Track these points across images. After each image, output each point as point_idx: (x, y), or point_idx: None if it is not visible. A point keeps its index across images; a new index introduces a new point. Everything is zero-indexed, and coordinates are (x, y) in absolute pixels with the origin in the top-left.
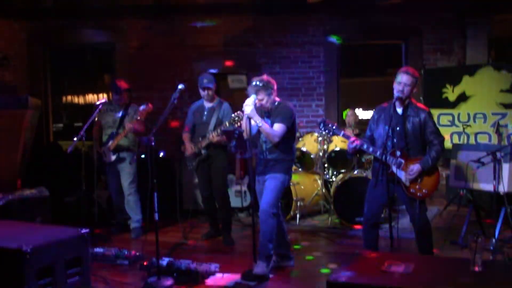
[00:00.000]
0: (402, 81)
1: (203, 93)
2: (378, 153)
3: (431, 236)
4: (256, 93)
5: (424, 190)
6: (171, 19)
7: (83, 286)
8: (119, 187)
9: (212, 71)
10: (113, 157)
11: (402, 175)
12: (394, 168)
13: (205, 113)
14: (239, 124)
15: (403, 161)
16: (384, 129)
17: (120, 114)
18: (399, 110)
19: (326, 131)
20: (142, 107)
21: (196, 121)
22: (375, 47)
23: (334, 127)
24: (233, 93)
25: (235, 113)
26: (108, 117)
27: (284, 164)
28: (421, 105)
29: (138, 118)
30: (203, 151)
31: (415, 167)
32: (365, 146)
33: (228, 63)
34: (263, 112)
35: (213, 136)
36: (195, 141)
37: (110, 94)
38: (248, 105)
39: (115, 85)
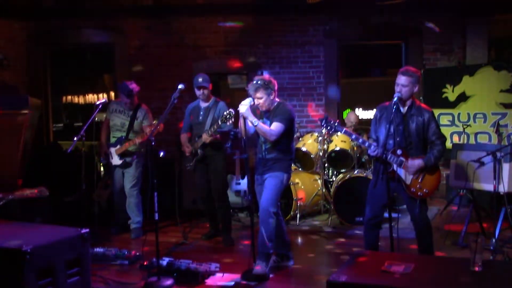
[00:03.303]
0: (399, 82)
1: (198, 92)
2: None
3: (432, 236)
4: (255, 91)
5: (424, 190)
6: (171, 19)
7: (83, 286)
8: (122, 188)
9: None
10: (120, 162)
11: (402, 173)
12: (394, 167)
13: (201, 113)
14: (231, 122)
15: (404, 159)
16: (386, 128)
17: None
18: (402, 109)
19: (328, 127)
20: (153, 124)
21: (192, 122)
22: (375, 47)
23: (336, 124)
24: (234, 93)
25: (226, 111)
26: (116, 118)
27: (283, 164)
28: (424, 105)
29: (147, 134)
30: (199, 151)
31: (417, 162)
32: (389, 157)
33: (230, 63)
34: (262, 112)
35: (206, 137)
36: (192, 141)
37: (113, 94)
38: (243, 105)
39: (127, 88)
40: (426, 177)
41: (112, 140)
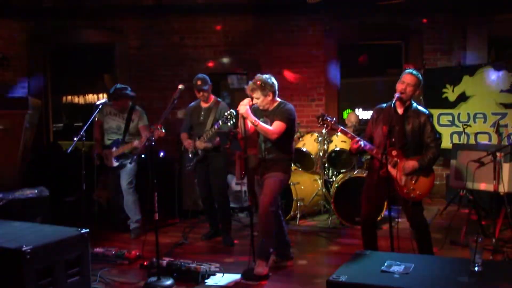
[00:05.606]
0: (406, 80)
1: (198, 94)
2: (379, 154)
3: (430, 236)
4: (252, 92)
5: (418, 192)
6: (171, 19)
7: (83, 286)
8: (118, 187)
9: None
10: (116, 164)
11: (397, 174)
12: (389, 167)
13: (202, 113)
14: (231, 122)
15: (398, 160)
16: (383, 129)
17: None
18: (400, 111)
19: (325, 125)
20: (155, 131)
21: (193, 122)
22: (375, 47)
23: (332, 122)
24: (234, 93)
25: (227, 112)
26: (111, 121)
27: (283, 164)
28: (422, 108)
29: (144, 140)
30: (199, 151)
31: (411, 162)
32: (368, 147)
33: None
34: (263, 112)
35: (200, 143)
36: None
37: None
38: (243, 105)
39: (116, 91)
40: (420, 179)
41: (108, 142)
